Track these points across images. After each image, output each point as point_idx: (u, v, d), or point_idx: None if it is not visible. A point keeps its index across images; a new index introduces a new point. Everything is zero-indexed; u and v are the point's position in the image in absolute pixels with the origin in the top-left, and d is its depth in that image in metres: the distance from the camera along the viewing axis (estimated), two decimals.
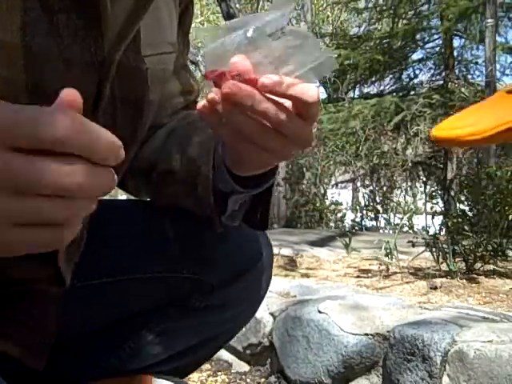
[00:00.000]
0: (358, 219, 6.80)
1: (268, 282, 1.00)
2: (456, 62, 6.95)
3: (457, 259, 2.67)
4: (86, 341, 0.92)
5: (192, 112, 0.91)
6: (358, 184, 7.53)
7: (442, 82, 7.05)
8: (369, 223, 6.80)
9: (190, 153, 0.82)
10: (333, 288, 2.32)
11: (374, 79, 7.64)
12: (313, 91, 0.60)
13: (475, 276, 2.61)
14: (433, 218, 3.72)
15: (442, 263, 2.72)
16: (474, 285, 2.44)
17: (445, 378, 1.50)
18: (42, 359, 0.75)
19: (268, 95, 0.59)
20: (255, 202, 0.83)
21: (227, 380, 2.04)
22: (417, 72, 7.59)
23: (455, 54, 6.98)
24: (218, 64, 0.60)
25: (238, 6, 8.99)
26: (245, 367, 2.12)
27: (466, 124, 0.63)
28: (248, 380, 2.04)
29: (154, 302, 0.92)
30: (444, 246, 2.73)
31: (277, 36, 0.62)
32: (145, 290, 0.90)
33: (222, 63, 0.60)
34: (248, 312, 1.03)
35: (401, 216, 5.68)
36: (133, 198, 0.99)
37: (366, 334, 1.73)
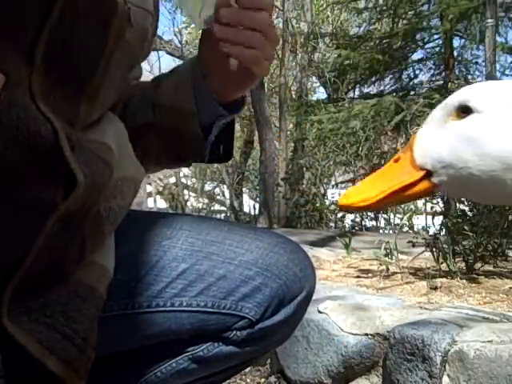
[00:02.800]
0: (357, 219, 6.80)
1: (304, 313, 0.98)
2: (456, 62, 6.95)
3: (457, 259, 2.67)
4: (117, 362, 0.91)
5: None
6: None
7: (442, 82, 7.06)
8: (369, 223, 6.80)
9: (163, 102, 0.94)
10: (333, 288, 2.32)
11: (374, 79, 7.64)
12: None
13: (475, 276, 2.61)
14: (433, 218, 3.72)
15: (442, 263, 2.72)
16: (474, 285, 2.44)
17: (445, 378, 1.50)
18: (84, 379, 0.73)
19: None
20: (218, 137, 0.97)
21: (227, 380, 2.04)
22: (417, 72, 7.60)
23: (455, 53, 6.99)
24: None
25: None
26: None
27: (360, 192, 0.78)
28: (248, 380, 2.04)
29: (192, 332, 0.90)
30: (444, 246, 2.72)
31: None
32: (185, 322, 0.88)
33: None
34: (285, 338, 1.00)
35: (401, 216, 5.68)
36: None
37: (366, 334, 1.73)
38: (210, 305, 0.88)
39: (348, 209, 0.77)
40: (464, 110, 0.72)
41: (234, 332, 0.89)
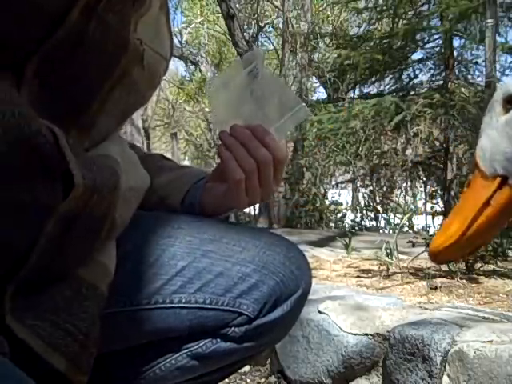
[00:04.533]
0: (358, 219, 6.81)
1: (301, 309, 0.99)
2: (456, 62, 6.94)
3: None
4: (116, 359, 0.91)
5: (135, 144, 1.10)
6: (358, 184, 7.53)
7: (442, 81, 7.05)
8: (369, 223, 6.80)
9: (154, 185, 0.96)
10: (333, 288, 2.32)
11: (374, 79, 7.63)
12: (285, 153, 0.92)
13: (475, 276, 2.61)
14: (433, 218, 3.73)
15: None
16: (474, 285, 2.44)
17: (445, 378, 1.50)
18: (87, 375, 0.73)
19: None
20: None
21: (227, 380, 2.04)
22: (417, 72, 7.58)
23: (455, 53, 6.98)
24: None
25: (237, 5, 9.00)
26: (245, 367, 2.12)
27: (444, 229, 0.63)
28: (248, 380, 2.04)
29: (191, 329, 0.90)
30: None
31: (253, 74, 0.89)
32: (183, 319, 0.89)
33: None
34: (281, 337, 1.02)
35: (401, 216, 5.68)
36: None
37: (366, 334, 1.73)
38: (208, 301, 0.89)
39: (438, 257, 0.63)
40: (510, 101, 0.68)
41: (233, 328, 0.90)
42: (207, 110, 14.26)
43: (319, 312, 1.88)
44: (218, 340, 0.91)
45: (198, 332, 0.91)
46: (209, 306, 0.89)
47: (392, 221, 6.06)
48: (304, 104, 0.91)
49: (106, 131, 0.81)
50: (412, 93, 7.22)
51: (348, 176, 7.87)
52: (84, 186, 0.68)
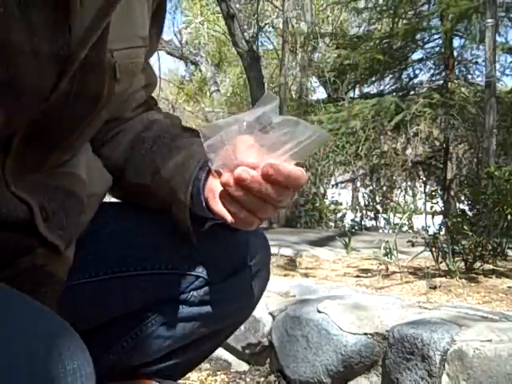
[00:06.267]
0: (357, 219, 6.81)
1: (264, 281, 1.02)
2: (456, 62, 6.95)
3: (456, 259, 2.67)
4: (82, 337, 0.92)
5: (157, 119, 0.96)
6: (358, 184, 7.53)
7: (442, 81, 7.05)
8: (368, 223, 6.81)
9: (164, 174, 0.87)
10: (332, 288, 2.32)
11: (374, 79, 7.63)
12: (304, 177, 0.76)
13: (474, 275, 2.61)
14: (433, 217, 3.73)
15: (441, 263, 2.72)
16: (473, 284, 2.44)
17: (444, 377, 1.50)
18: None
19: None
20: None
21: (226, 379, 2.05)
22: (417, 72, 7.59)
23: (455, 54, 6.98)
24: (217, 155, 0.72)
25: (238, 5, 8.99)
26: (244, 367, 2.12)
27: None
28: (247, 379, 2.04)
29: (151, 298, 0.93)
30: (444, 245, 2.73)
31: (266, 130, 0.74)
32: (142, 286, 0.92)
33: (220, 154, 0.71)
34: (245, 310, 1.03)
35: (400, 216, 5.68)
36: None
37: (366, 334, 1.73)
38: (163, 267, 0.92)
39: None
40: None
41: (192, 293, 0.93)
42: (207, 109, 14.26)
43: (318, 311, 1.88)
44: (180, 306, 0.94)
45: (159, 300, 0.93)
46: (164, 271, 0.92)
47: (392, 220, 6.06)
48: (324, 130, 0.76)
49: (85, 143, 0.84)
50: (412, 93, 7.22)
51: (348, 176, 7.87)
52: (66, 245, 0.77)
